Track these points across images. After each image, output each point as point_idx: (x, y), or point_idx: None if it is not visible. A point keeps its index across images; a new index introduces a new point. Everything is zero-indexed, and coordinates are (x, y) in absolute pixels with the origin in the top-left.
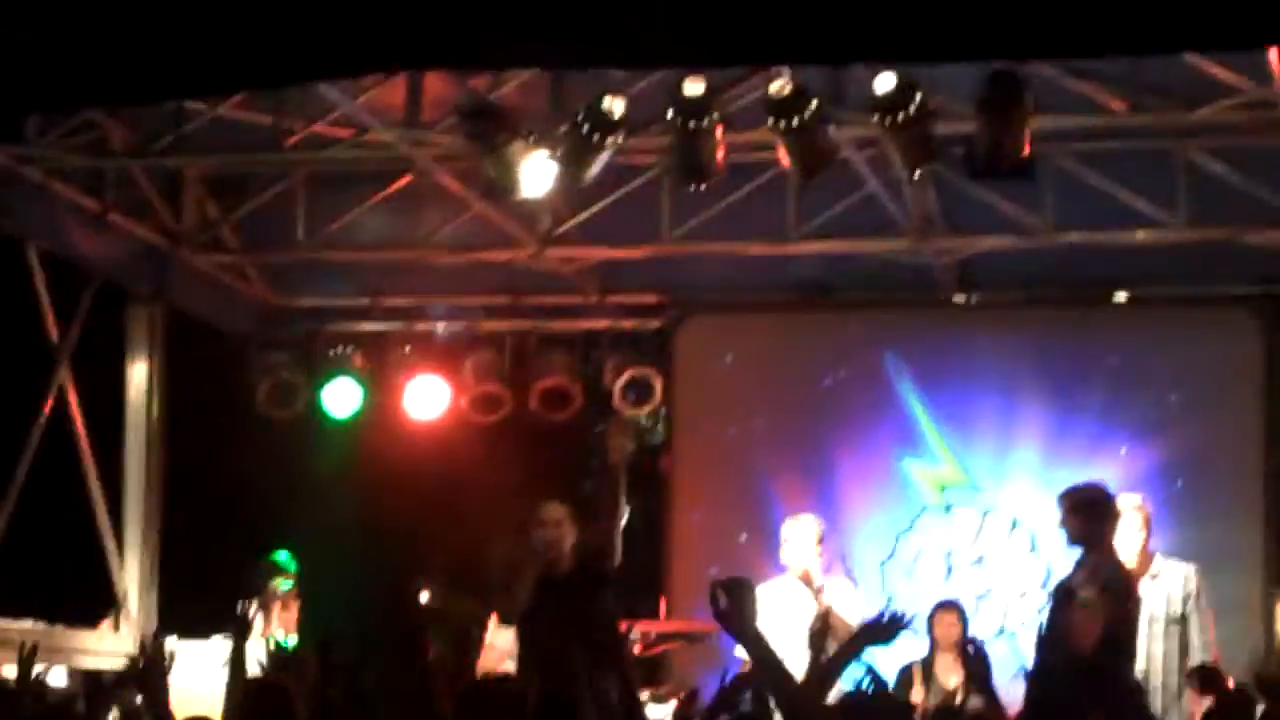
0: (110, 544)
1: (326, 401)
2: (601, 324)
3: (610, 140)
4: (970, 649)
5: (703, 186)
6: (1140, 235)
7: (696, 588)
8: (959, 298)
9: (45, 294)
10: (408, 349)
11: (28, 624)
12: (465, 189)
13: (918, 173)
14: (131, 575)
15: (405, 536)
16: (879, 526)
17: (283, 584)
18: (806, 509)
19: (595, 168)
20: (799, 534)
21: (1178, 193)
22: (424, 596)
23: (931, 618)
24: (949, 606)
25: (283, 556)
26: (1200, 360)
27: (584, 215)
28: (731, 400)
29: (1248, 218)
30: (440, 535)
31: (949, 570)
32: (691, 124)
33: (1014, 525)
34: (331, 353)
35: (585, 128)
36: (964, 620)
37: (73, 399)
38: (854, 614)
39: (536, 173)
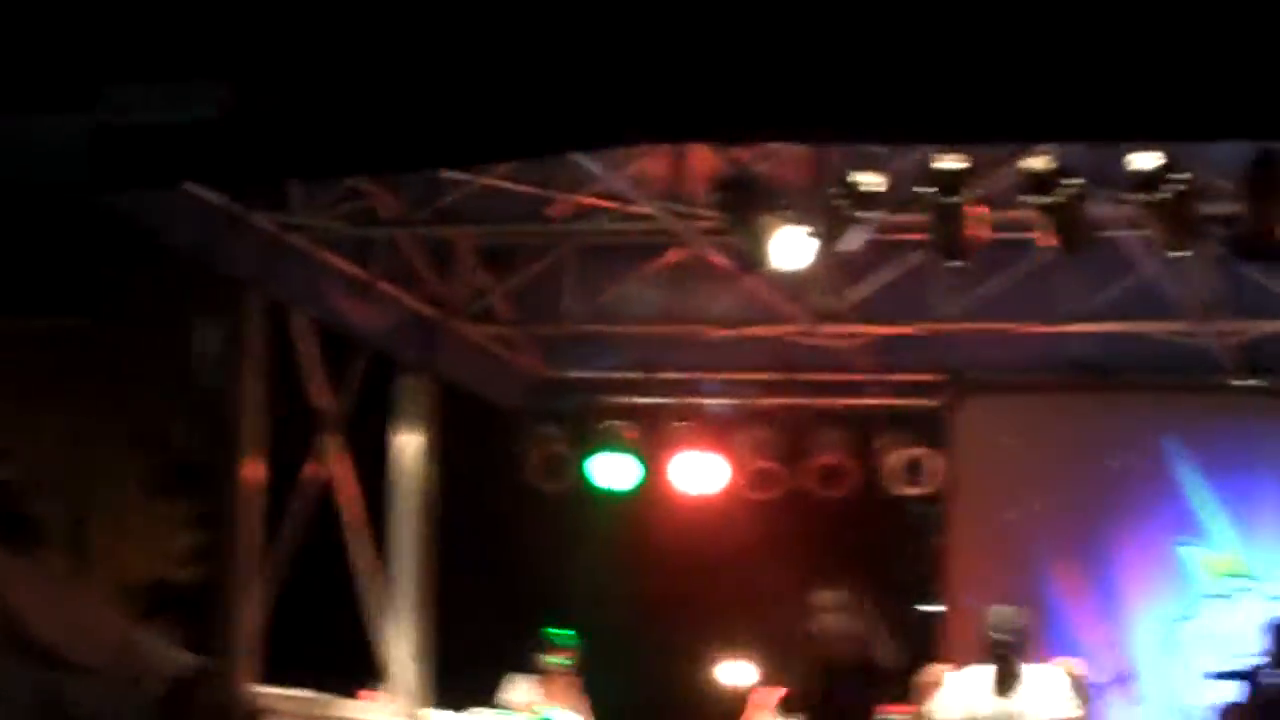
0: (378, 613)
1: (594, 474)
2: (877, 402)
3: (865, 215)
4: None
5: (961, 263)
6: None
7: None
8: (1241, 381)
9: (315, 362)
10: (680, 423)
11: (298, 693)
12: (732, 263)
13: (1181, 252)
14: (401, 645)
15: (681, 611)
16: (1157, 614)
17: (558, 660)
18: (1083, 594)
19: (852, 242)
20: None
21: None
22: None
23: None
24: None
25: (561, 632)
26: None
27: (857, 292)
28: (1009, 482)
29: None
30: (718, 611)
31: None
32: (947, 199)
33: None
34: (602, 425)
35: (841, 201)
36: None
37: (343, 468)
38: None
39: (788, 245)
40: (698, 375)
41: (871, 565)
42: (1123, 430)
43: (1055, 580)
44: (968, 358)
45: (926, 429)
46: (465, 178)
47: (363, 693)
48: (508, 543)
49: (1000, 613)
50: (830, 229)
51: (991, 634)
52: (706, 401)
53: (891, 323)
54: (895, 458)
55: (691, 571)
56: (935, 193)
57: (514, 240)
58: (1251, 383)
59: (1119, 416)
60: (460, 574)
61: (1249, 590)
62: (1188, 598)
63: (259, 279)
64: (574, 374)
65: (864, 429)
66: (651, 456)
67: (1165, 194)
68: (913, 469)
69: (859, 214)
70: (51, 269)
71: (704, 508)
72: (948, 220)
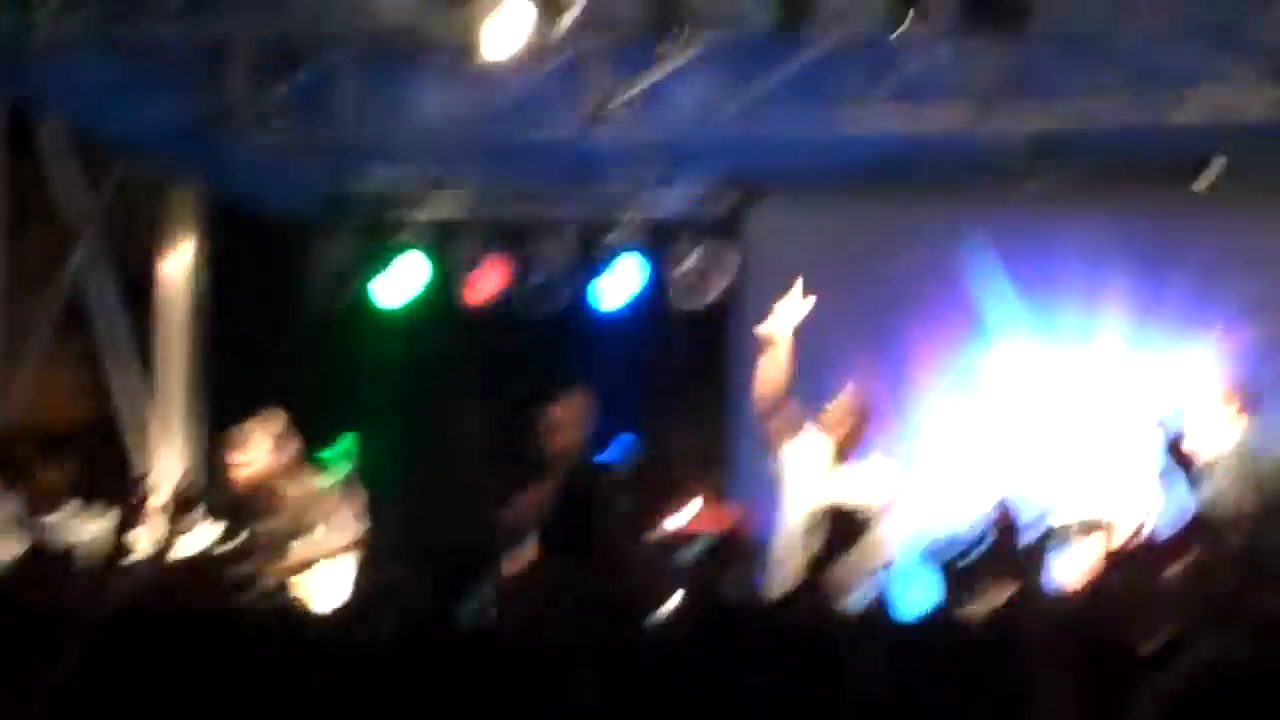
0: (143, 440)
1: (381, 290)
2: (666, 209)
3: None
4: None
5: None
6: (1222, 101)
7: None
8: (1037, 174)
9: (66, 170)
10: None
11: None
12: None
13: (899, 31)
14: (169, 471)
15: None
16: (952, 413)
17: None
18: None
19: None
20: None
21: (1252, 60)
22: None
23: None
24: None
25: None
26: None
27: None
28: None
29: None
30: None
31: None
32: None
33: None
34: (391, 239)
35: None
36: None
37: (102, 286)
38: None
39: (507, 26)
40: (491, 183)
41: (660, 377)
42: (914, 231)
43: (847, 383)
44: (751, 161)
45: (717, 233)
46: None
47: None
48: (287, 363)
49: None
50: (545, 11)
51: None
52: (501, 210)
53: (667, 125)
54: (686, 263)
55: (475, 385)
56: None
57: (294, 41)
58: (1047, 176)
59: (910, 217)
60: (235, 398)
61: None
62: (984, 394)
63: None
64: (361, 185)
65: (654, 238)
66: (443, 270)
67: None
68: (700, 278)
69: None
70: None
71: (495, 322)
72: None
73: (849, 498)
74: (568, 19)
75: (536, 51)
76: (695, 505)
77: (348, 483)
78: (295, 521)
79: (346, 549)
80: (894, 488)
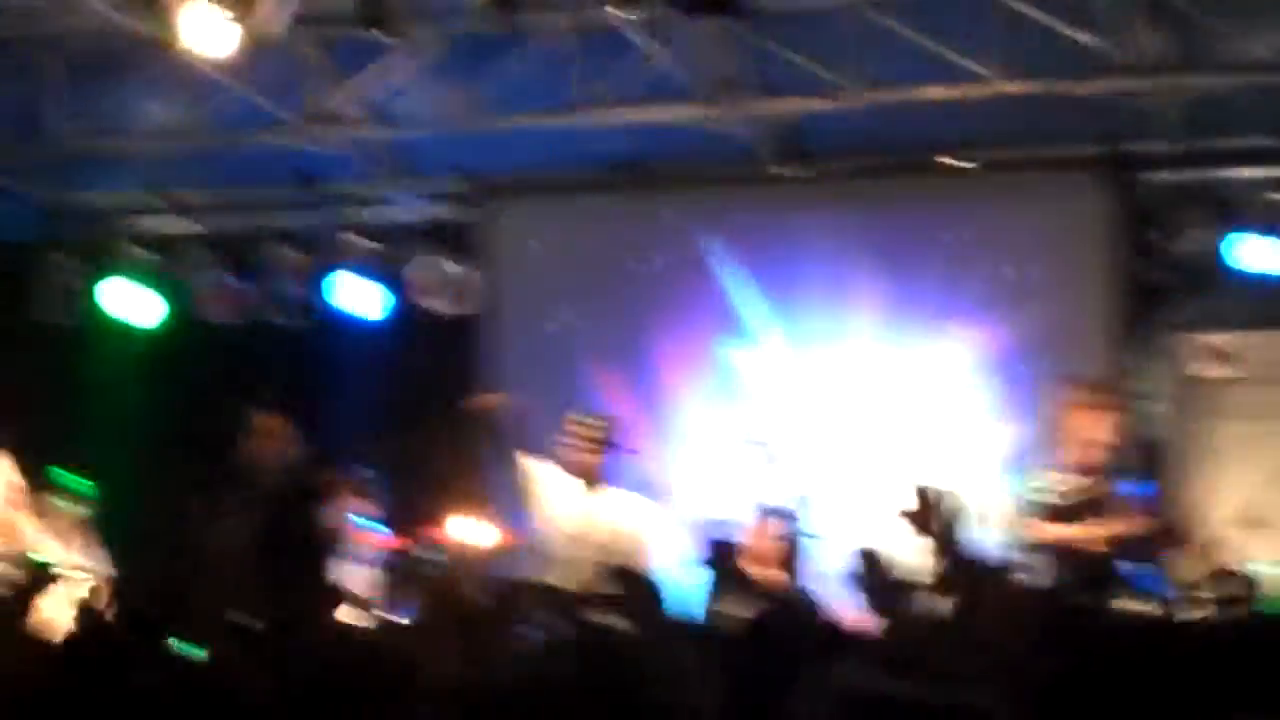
0: None
1: (109, 305)
2: (406, 215)
3: None
4: None
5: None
6: (959, 91)
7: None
8: (779, 168)
9: None
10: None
11: None
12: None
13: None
14: None
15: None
16: (704, 417)
17: (67, 504)
18: (627, 404)
19: (273, 23)
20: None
21: (993, 44)
22: None
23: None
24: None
25: (74, 478)
26: (1039, 230)
27: (354, 90)
28: (546, 293)
29: (1072, 68)
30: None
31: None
32: None
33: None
34: (118, 253)
35: None
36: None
37: None
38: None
39: (203, 26)
40: (217, 194)
41: (408, 386)
42: (660, 229)
43: (599, 392)
44: (488, 159)
45: (458, 241)
46: None
47: None
48: (13, 384)
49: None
50: (239, 6)
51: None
52: (230, 221)
53: (399, 123)
54: (428, 274)
55: (213, 407)
56: None
57: None
58: (790, 169)
59: (655, 215)
60: None
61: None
62: (730, 399)
63: None
64: (85, 200)
65: (393, 244)
66: (174, 285)
67: None
68: (449, 285)
69: None
70: None
71: (233, 336)
72: None
73: (606, 529)
74: (267, 10)
75: (244, 45)
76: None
77: (84, 522)
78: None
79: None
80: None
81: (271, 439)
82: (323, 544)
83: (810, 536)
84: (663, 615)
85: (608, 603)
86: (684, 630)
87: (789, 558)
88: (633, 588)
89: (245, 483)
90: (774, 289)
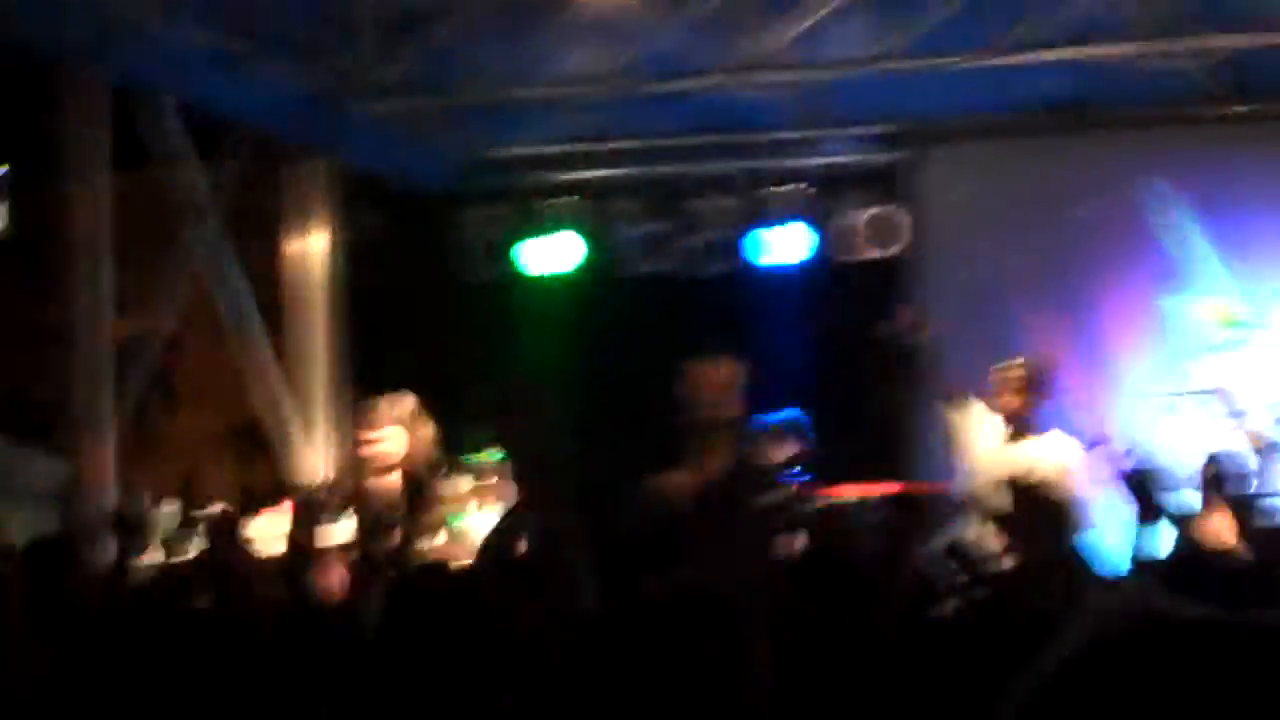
0: (285, 435)
1: (529, 259)
2: (835, 160)
3: None
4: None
5: None
6: None
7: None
8: (1229, 108)
9: (178, 150)
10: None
11: None
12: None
13: None
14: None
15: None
16: (1148, 370)
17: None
18: (1065, 354)
19: None
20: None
21: None
22: None
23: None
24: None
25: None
26: None
27: (783, 35)
28: (981, 238)
29: None
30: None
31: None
32: None
33: None
34: (539, 205)
35: None
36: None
37: (224, 271)
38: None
39: None
40: (644, 141)
41: (832, 340)
42: (1101, 172)
43: (1034, 340)
44: (920, 102)
45: (886, 185)
46: None
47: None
48: (435, 344)
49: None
50: None
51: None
52: (655, 169)
53: (824, 66)
54: (855, 217)
55: (644, 358)
56: None
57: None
58: (1239, 109)
59: (1096, 158)
60: (381, 387)
61: (1248, 341)
62: (1185, 352)
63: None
64: (504, 150)
65: (820, 189)
66: (595, 233)
67: None
68: (876, 229)
69: None
70: None
71: (654, 287)
72: None
73: (1027, 472)
74: None
75: None
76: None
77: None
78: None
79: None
80: (1075, 464)
81: (726, 383)
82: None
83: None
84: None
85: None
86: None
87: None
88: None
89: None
90: (1222, 237)
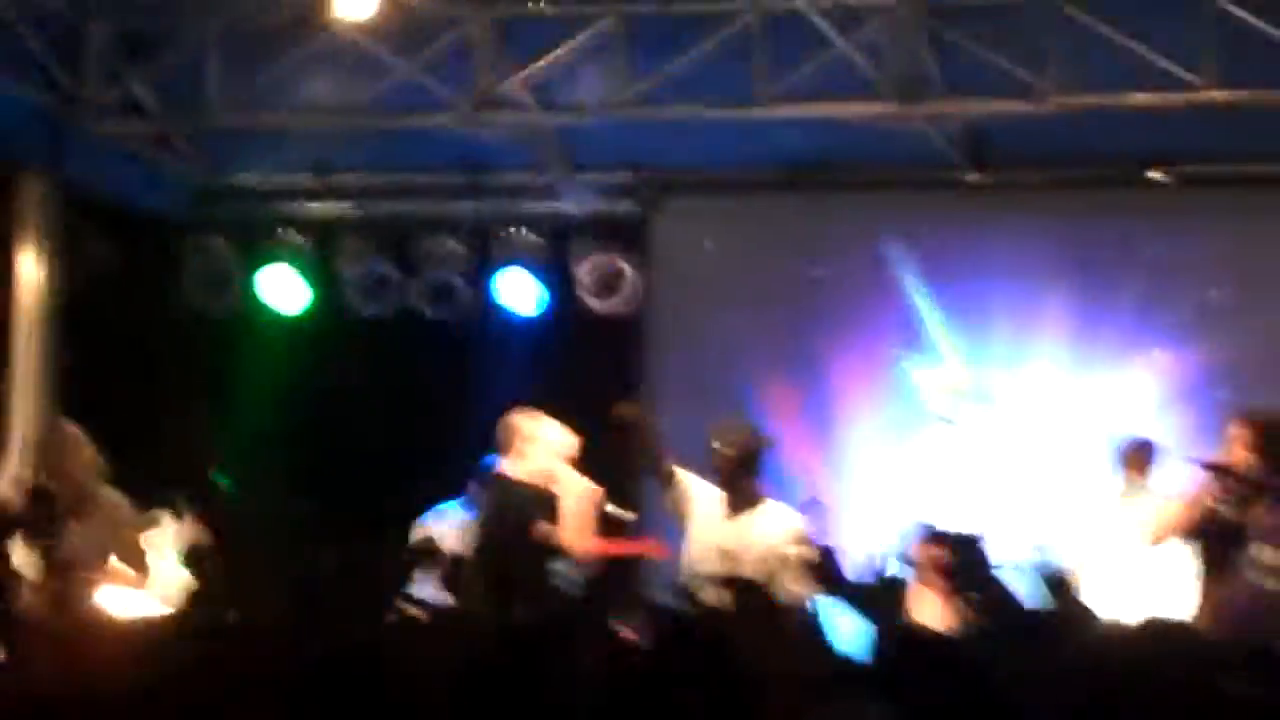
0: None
1: (263, 292)
2: (572, 208)
3: None
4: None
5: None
6: (1164, 99)
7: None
8: (969, 175)
9: None
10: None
11: None
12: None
13: None
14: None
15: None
16: (875, 438)
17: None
18: (794, 415)
19: None
20: None
21: (1206, 48)
22: None
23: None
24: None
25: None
26: (1248, 251)
27: (526, 74)
28: (713, 294)
29: None
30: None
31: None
32: None
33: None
34: (272, 237)
35: None
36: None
37: None
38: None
39: None
40: (376, 176)
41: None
42: (838, 232)
43: (764, 401)
44: (659, 152)
45: (621, 235)
46: None
47: None
48: (160, 376)
49: (726, 427)
50: None
51: (718, 448)
52: (385, 207)
53: (568, 110)
54: (589, 268)
55: (366, 406)
56: None
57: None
58: (977, 176)
59: (834, 217)
60: (99, 414)
61: (978, 411)
62: (909, 420)
63: None
64: (234, 180)
65: (554, 237)
66: (323, 271)
67: None
68: (605, 280)
69: None
70: None
71: (379, 329)
72: None
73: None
74: None
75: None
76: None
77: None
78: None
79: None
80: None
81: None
82: None
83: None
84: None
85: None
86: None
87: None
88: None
89: None
90: (957, 303)
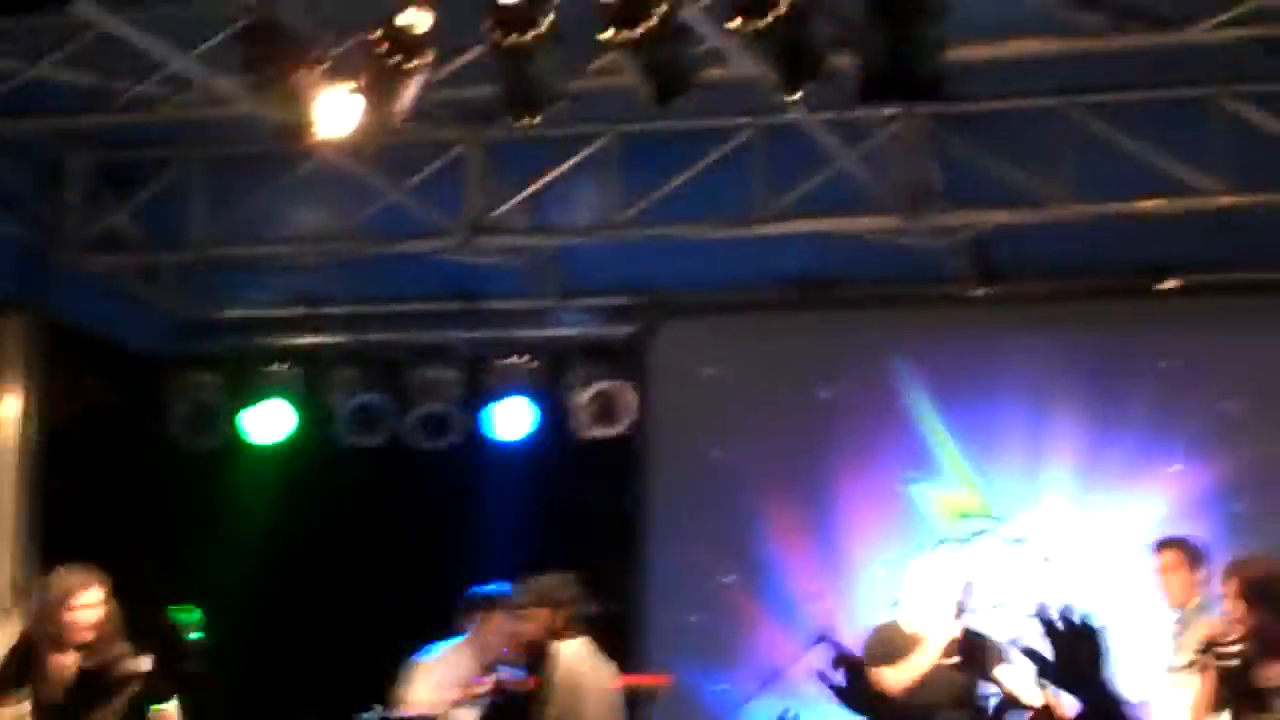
0: None
1: (250, 428)
2: (568, 331)
3: (416, 64)
4: None
5: (534, 121)
6: (1176, 205)
7: (675, 636)
8: (976, 290)
9: None
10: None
11: None
12: (368, 170)
13: (798, 94)
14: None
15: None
16: (886, 562)
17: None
18: (801, 543)
19: (404, 100)
20: None
21: (1219, 152)
22: None
23: None
24: None
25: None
26: (1264, 361)
27: (519, 196)
28: (714, 417)
29: None
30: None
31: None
32: (513, 38)
33: (1044, 560)
34: (260, 371)
35: (386, 50)
36: None
37: None
38: None
39: (333, 108)
40: (365, 307)
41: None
42: (842, 352)
43: (769, 528)
44: (654, 274)
45: (616, 359)
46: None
47: None
48: (145, 514)
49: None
50: (377, 85)
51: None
52: (374, 336)
53: (564, 232)
54: (581, 393)
55: (358, 537)
56: (500, 30)
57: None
58: (983, 290)
59: (837, 336)
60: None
61: (987, 532)
62: (920, 543)
63: None
64: (219, 313)
65: (550, 362)
66: (311, 402)
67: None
68: (602, 405)
69: (408, 64)
70: None
71: (374, 460)
72: (517, 65)
73: None
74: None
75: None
76: None
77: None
78: None
79: None
80: None
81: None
82: None
83: None
84: None
85: None
86: None
87: None
88: None
89: None
90: (966, 422)
